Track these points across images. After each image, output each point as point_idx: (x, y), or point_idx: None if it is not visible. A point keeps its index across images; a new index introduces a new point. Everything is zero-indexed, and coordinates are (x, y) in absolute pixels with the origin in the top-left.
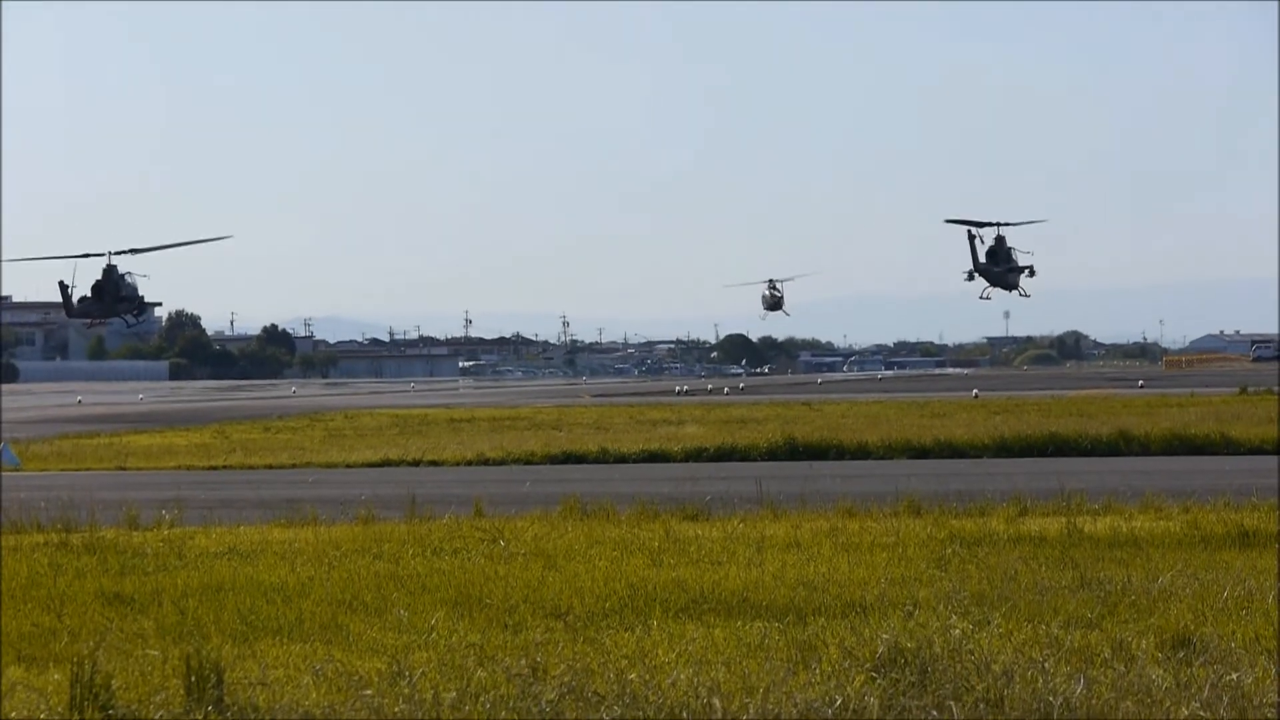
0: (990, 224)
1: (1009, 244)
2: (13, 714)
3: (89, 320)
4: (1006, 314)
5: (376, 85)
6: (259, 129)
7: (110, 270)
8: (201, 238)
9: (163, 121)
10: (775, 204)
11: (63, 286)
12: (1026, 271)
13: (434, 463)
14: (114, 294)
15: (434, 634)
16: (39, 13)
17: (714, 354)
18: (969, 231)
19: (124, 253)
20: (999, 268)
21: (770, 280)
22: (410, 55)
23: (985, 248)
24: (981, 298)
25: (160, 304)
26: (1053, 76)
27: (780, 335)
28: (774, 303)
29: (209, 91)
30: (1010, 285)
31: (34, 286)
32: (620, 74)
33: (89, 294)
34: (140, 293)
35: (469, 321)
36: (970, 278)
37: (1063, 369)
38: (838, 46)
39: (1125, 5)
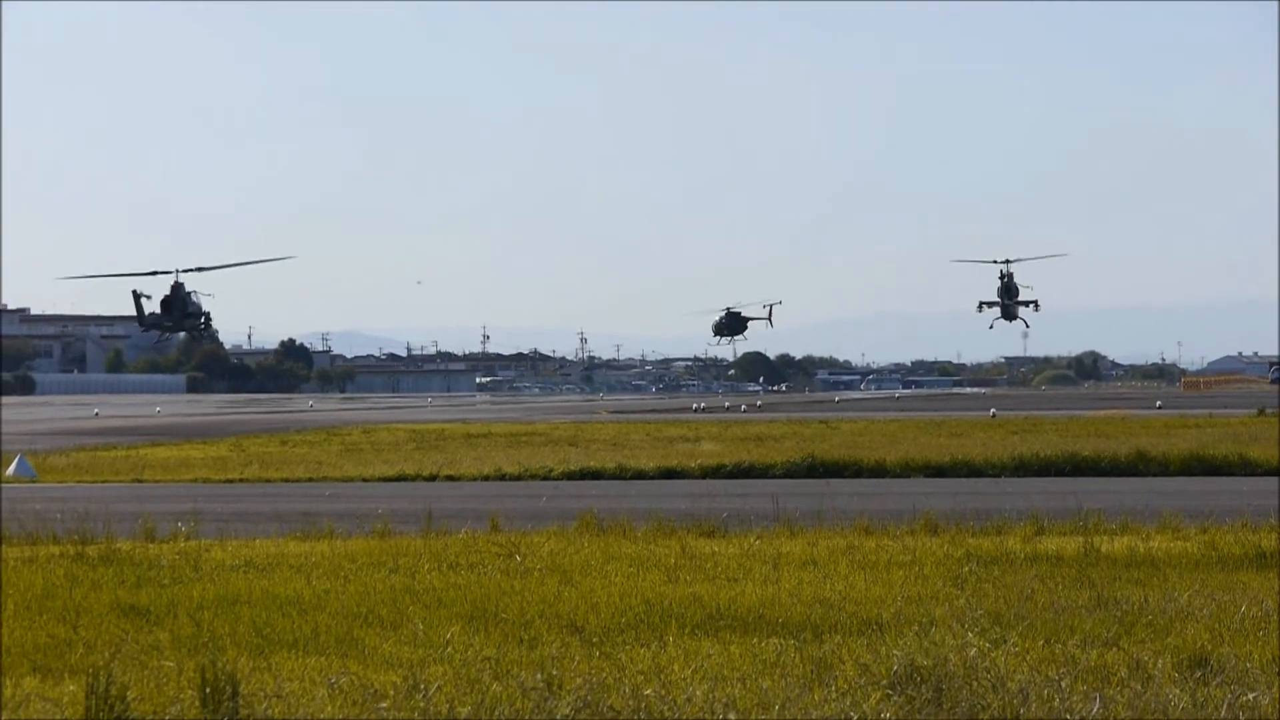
0: (992, 261)
1: (1015, 280)
2: None
3: (160, 332)
4: (1025, 334)
5: (387, 97)
6: (282, 146)
7: (178, 287)
8: (265, 258)
9: (193, 138)
10: (780, 229)
11: (136, 296)
12: (1032, 306)
13: (451, 478)
14: (181, 310)
15: (449, 648)
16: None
17: (731, 371)
18: (1000, 267)
19: (190, 270)
20: (1008, 301)
21: (727, 308)
22: (419, 59)
23: (1001, 283)
24: (989, 327)
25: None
26: (1074, 102)
27: (798, 353)
28: (731, 327)
29: (234, 110)
30: (1012, 317)
31: (50, 300)
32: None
33: (158, 309)
34: (205, 309)
35: (486, 337)
36: (980, 309)
37: (1080, 389)
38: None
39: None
